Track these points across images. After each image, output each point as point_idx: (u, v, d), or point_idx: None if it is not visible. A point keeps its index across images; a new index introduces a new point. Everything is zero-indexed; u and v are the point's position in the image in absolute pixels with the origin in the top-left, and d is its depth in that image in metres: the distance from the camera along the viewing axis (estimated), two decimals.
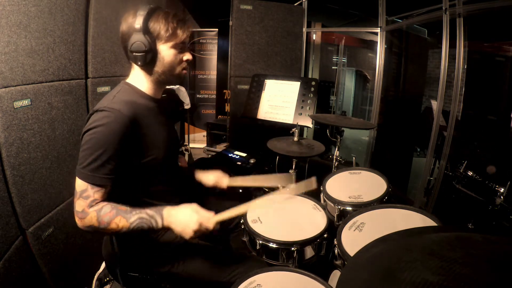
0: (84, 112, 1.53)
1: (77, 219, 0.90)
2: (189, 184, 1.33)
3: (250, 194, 2.12)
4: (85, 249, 1.52)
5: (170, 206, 0.96)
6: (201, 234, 0.95)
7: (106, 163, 0.88)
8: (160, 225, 0.93)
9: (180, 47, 1.01)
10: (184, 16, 1.01)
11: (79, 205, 0.89)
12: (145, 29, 0.93)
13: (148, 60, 0.97)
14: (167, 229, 0.95)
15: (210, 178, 1.33)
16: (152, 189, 1.05)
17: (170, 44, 0.98)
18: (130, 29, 0.95)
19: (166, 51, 0.99)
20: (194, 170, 1.36)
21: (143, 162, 0.98)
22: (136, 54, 0.95)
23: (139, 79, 1.04)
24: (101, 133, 0.87)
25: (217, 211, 1.37)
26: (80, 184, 0.89)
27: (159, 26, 0.95)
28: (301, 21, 2.97)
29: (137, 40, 0.93)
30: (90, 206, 0.89)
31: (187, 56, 1.03)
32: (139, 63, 0.97)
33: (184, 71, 1.06)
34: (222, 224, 1.36)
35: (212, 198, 1.42)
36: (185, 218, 0.93)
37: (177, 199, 1.11)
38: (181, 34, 0.99)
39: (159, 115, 1.05)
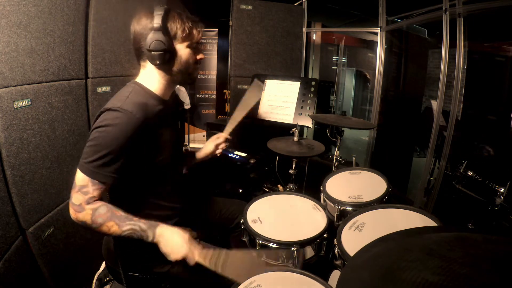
0: (84, 112, 1.53)
1: (71, 211, 0.90)
2: (193, 184, 1.33)
3: (251, 194, 2.13)
4: (85, 249, 1.52)
5: (167, 224, 0.96)
6: (182, 262, 0.93)
7: (111, 162, 0.89)
8: (150, 240, 0.92)
9: (195, 47, 1.02)
10: (196, 17, 1.03)
11: (77, 198, 0.89)
12: (164, 29, 0.94)
13: (167, 59, 0.97)
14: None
15: (209, 147, 1.35)
16: (159, 189, 1.05)
17: (186, 43, 1.00)
18: (146, 29, 0.95)
19: (182, 50, 1.00)
20: (193, 153, 1.37)
21: (153, 163, 0.99)
22: (155, 53, 0.95)
23: (151, 79, 1.03)
24: (111, 133, 0.88)
25: (218, 211, 1.38)
26: (80, 178, 0.89)
27: (176, 26, 0.97)
28: (301, 21, 2.96)
29: (156, 39, 0.93)
30: (88, 202, 0.89)
31: (200, 55, 1.05)
32: (158, 62, 0.97)
33: (197, 71, 1.07)
34: (223, 223, 1.37)
35: (214, 198, 1.42)
36: (174, 245, 0.92)
37: (181, 200, 1.12)
38: (197, 34, 1.01)
39: (167, 116, 1.06)
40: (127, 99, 0.94)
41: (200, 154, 1.37)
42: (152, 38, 0.93)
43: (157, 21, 0.93)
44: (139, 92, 1.00)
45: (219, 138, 1.37)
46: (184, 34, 0.98)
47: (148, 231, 0.92)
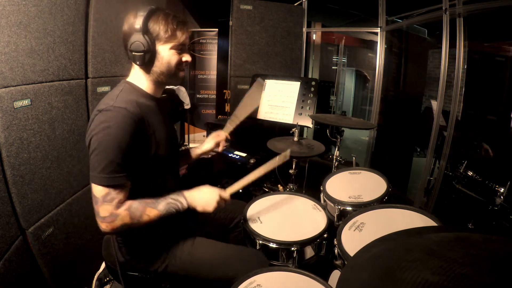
0: (84, 112, 1.53)
1: (104, 225, 0.90)
2: (192, 183, 1.33)
3: (251, 194, 2.13)
4: (85, 249, 1.52)
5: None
6: (221, 205, 1.07)
7: (121, 162, 0.89)
8: (185, 205, 1.01)
9: (180, 48, 1.01)
10: (184, 17, 1.02)
11: (105, 210, 0.89)
12: (145, 29, 0.94)
13: (147, 60, 0.97)
14: (192, 210, 1.02)
15: (210, 142, 1.34)
16: (156, 188, 1.06)
17: (169, 45, 0.99)
18: (130, 29, 0.96)
19: (165, 52, 0.99)
20: (188, 151, 1.37)
21: (149, 160, 0.99)
22: (135, 53, 0.96)
23: (139, 78, 1.04)
24: (112, 134, 0.88)
25: (218, 211, 1.37)
26: (99, 190, 0.89)
27: (158, 27, 0.96)
28: (301, 21, 2.96)
29: (136, 40, 0.94)
30: (118, 207, 0.90)
31: (186, 57, 1.04)
32: (138, 62, 0.98)
33: (182, 73, 1.06)
34: (222, 223, 1.37)
35: None
36: (206, 196, 1.04)
37: None
38: (180, 36, 0.99)
39: (159, 114, 1.06)
40: (117, 97, 0.94)
41: (197, 151, 1.36)
42: (133, 39, 0.95)
43: (138, 22, 0.94)
44: (129, 90, 1.01)
45: (220, 136, 1.36)
46: (166, 35, 0.97)
47: (179, 198, 1.01)
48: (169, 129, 1.12)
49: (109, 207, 0.89)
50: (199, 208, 1.02)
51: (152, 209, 0.95)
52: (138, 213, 0.93)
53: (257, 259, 1.11)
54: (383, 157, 3.13)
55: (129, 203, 0.93)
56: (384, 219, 1.17)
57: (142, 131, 0.95)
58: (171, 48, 0.99)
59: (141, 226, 0.94)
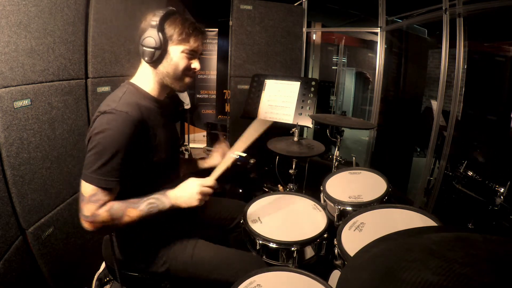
0: (84, 112, 1.53)
1: (86, 224, 0.90)
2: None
3: (251, 194, 2.13)
4: (85, 249, 1.52)
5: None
6: (207, 196, 1.02)
7: (115, 166, 0.89)
8: (167, 204, 0.98)
9: (191, 54, 1.02)
10: (201, 27, 1.03)
11: (88, 209, 0.89)
12: (160, 27, 0.95)
13: (156, 58, 0.98)
14: (174, 209, 0.99)
15: (216, 157, 1.31)
16: (156, 189, 1.06)
17: (181, 48, 0.99)
18: (146, 25, 0.97)
19: (175, 53, 1.00)
20: (196, 161, 1.36)
21: (149, 163, 0.99)
22: (145, 48, 0.97)
23: (144, 79, 1.04)
24: (110, 137, 0.88)
25: (218, 211, 1.38)
26: (88, 189, 0.89)
27: (174, 29, 0.97)
28: (301, 21, 2.96)
29: (149, 35, 0.95)
30: (100, 208, 0.90)
31: (195, 64, 1.04)
32: (146, 58, 0.98)
33: (188, 79, 1.06)
34: (223, 223, 1.37)
35: (213, 198, 1.42)
36: (187, 190, 1.00)
37: None
38: (193, 42, 1.00)
39: (161, 116, 1.06)
40: (120, 100, 0.94)
41: (204, 165, 1.33)
42: (146, 34, 0.96)
43: (155, 19, 0.95)
44: (133, 92, 1.00)
45: (223, 147, 1.31)
46: (180, 38, 0.98)
47: (162, 197, 0.98)
48: (171, 131, 1.12)
49: (92, 207, 0.89)
50: (183, 204, 0.99)
51: (133, 209, 0.93)
52: (119, 213, 0.92)
53: (258, 264, 1.11)
54: (383, 157, 3.13)
55: (110, 204, 0.92)
56: (384, 219, 1.17)
57: (142, 135, 0.95)
58: (182, 51, 1.00)
59: (122, 225, 0.94)
